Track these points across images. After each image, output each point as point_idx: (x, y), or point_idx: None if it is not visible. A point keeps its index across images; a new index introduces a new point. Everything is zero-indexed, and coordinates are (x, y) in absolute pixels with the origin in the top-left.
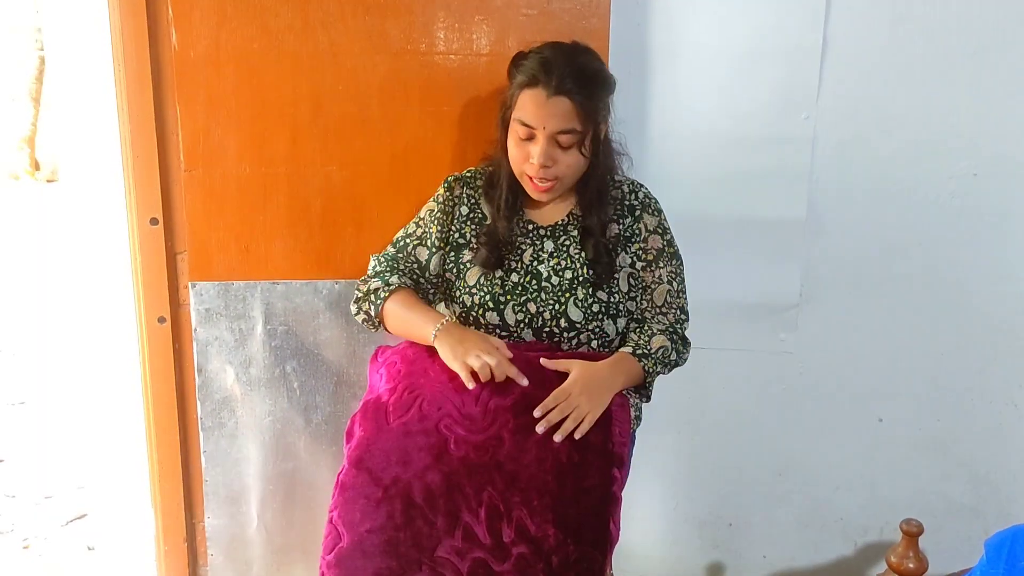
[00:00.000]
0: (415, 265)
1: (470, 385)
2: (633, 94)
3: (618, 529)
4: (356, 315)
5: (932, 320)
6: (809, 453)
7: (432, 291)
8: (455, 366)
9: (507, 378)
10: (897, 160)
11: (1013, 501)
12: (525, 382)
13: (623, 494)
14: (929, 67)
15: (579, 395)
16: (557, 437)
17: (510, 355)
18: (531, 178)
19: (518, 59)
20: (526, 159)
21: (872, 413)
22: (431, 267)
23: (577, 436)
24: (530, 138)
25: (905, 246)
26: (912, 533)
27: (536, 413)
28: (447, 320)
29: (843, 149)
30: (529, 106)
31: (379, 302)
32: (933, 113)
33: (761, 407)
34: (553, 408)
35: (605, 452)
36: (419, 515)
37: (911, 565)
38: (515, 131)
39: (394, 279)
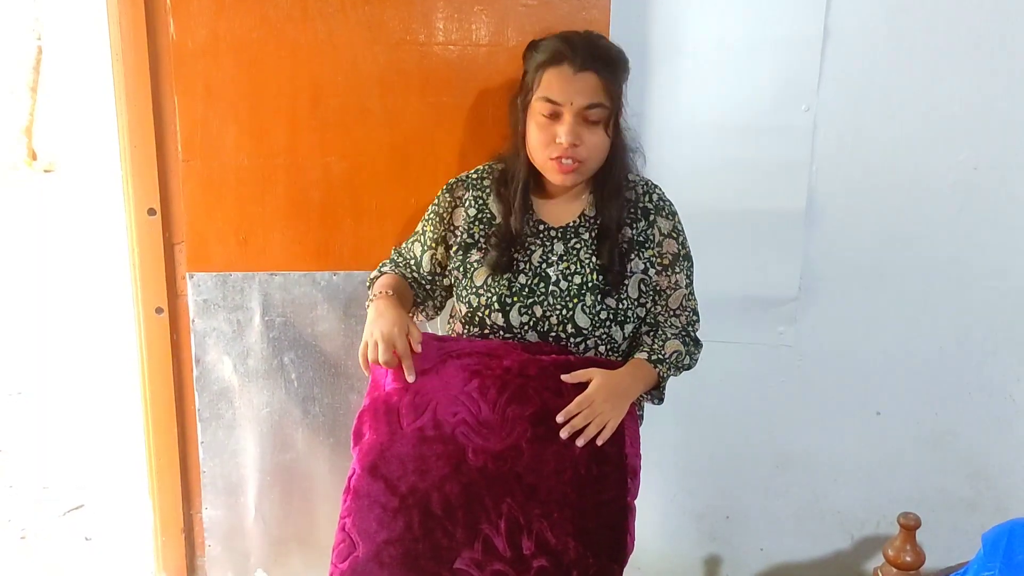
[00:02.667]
0: (412, 262)
1: (364, 370)
2: (633, 85)
3: (633, 540)
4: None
5: (931, 314)
6: (807, 446)
7: (429, 288)
8: (361, 345)
9: (525, 387)
10: (897, 152)
11: (1011, 495)
12: (413, 379)
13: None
14: (930, 58)
15: (602, 402)
16: (580, 442)
17: (417, 349)
18: (557, 160)
19: (533, 45)
20: (551, 140)
21: (870, 406)
22: (424, 265)
23: (599, 442)
24: (555, 117)
25: (905, 239)
26: (909, 526)
27: (559, 418)
28: (384, 292)
29: (843, 141)
30: (555, 82)
31: (370, 288)
32: (933, 105)
33: (759, 400)
34: (576, 414)
35: (620, 464)
36: (438, 526)
37: (908, 558)
38: (538, 113)
39: (387, 268)
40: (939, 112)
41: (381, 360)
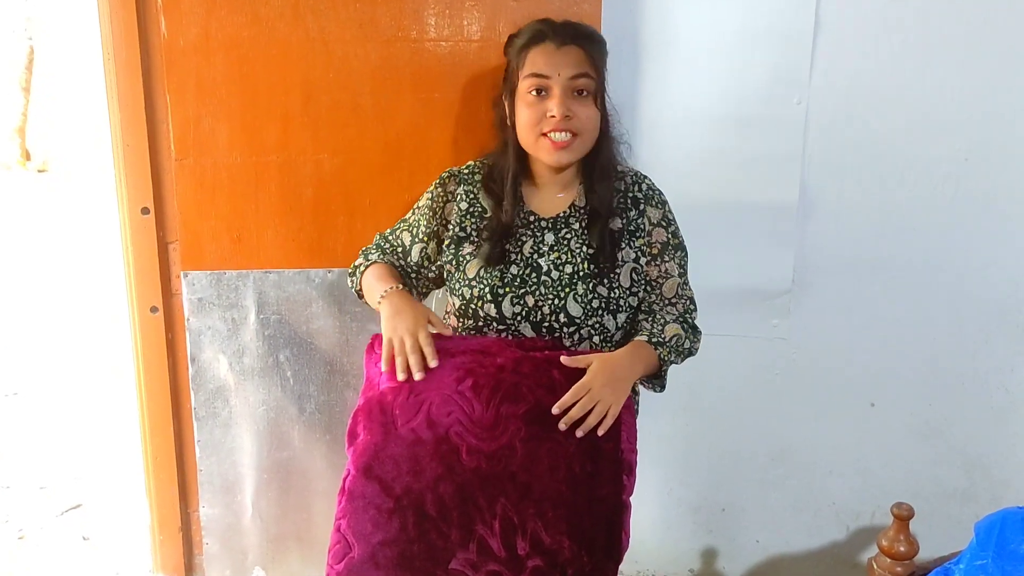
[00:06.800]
0: (399, 249)
1: (383, 367)
2: (625, 79)
3: (628, 537)
4: (351, 288)
5: (925, 305)
6: (802, 438)
7: (415, 278)
8: (384, 343)
9: (519, 385)
10: (889, 144)
11: (1005, 485)
12: (435, 364)
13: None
14: (921, 50)
15: (601, 388)
16: (579, 433)
17: (447, 331)
18: (548, 137)
19: (512, 36)
20: (543, 116)
21: (865, 398)
22: (412, 255)
23: (601, 432)
24: (543, 93)
25: (897, 230)
26: (903, 517)
27: (554, 410)
28: (394, 287)
29: (835, 133)
30: (540, 58)
31: (358, 277)
32: (925, 96)
33: (754, 393)
34: (573, 404)
35: (616, 460)
36: (432, 527)
37: (902, 548)
38: (525, 92)
39: (374, 256)
40: (930, 103)
41: (409, 356)
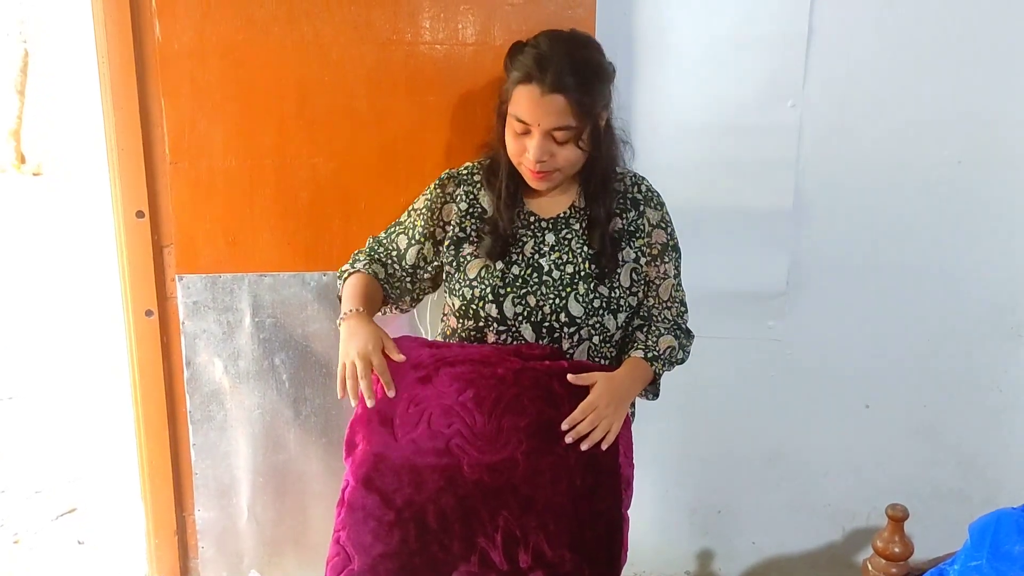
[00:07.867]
0: (393, 253)
1: (340, 394)
2: (619, 84)
3: (627, 551)
4: (337, 293)
5: (919, 306)
6: (797, 440)
7: (408, 281)
8: (339, 366)
9: (520, 397)
10: (883, 148)
11: (999, 486)
12: (392, 393)
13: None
14: (914, 55)
15: (605, 407)
16: (584, 446)
17: (401, 358)
18: (529, 169)
19: (515, 51)
20: (522, 152)
21: (859, 399)
22: (407, 258)
23: (604, 447)
24: (526, 133)
25: (891, 233)
26: (897, 518)
27: (564, 426)
28: (354, 310)
29: (829, 137)
30: (524, 103)
31: (342, 283)
32: (918, 101)
33: (750, 395)
34: (580, 421)
35: (615, 474)
36: (434, 540)
37: (896, 550)
38: (511, 125)
39: (360, 265)
40: (923, 107)
41: (361, 381)
